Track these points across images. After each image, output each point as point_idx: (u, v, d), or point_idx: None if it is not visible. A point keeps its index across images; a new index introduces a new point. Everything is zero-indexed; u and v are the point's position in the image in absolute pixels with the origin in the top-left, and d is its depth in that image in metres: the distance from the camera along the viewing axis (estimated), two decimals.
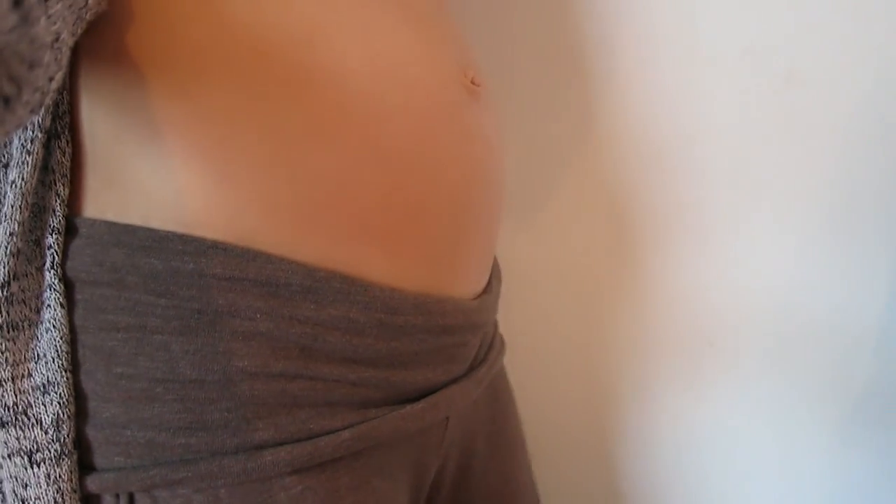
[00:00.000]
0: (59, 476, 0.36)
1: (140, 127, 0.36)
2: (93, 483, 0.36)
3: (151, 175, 0.36)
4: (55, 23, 0.25)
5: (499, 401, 0.56)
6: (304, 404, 0.38)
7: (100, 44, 0.35)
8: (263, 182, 0.36)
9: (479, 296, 0.48)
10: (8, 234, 0.35)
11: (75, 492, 0.36)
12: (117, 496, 0.37)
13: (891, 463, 0.80)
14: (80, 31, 0.29)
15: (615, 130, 0.76)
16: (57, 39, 0.25)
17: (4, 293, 0.35)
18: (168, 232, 0.36)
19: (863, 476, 0.82)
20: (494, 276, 0.53)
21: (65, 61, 0.27)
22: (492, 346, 0.53)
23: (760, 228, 0.76)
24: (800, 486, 0.82)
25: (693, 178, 0.76)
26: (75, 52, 0.35)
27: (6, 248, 0.35)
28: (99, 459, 0.37)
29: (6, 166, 0.35)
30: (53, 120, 0.36)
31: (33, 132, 0.35)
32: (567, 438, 0.84)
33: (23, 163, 0.35)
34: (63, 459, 0.36)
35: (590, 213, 0.79)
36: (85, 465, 0.37)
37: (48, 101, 0.24)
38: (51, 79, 0.25)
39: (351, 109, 0.38)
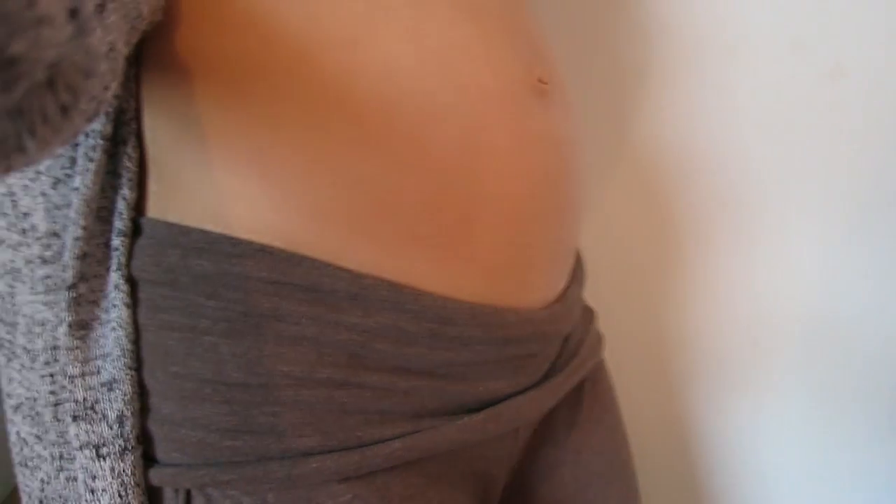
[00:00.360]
0: (123, 470, 0.37)
1: (193, 133, 0.36)
2: (154, 476, 0.37)
3: (203, 179, 0.37)
4: (110, 33, 0.25)
5: (588, 411, 0.53)
6: (352, 412, 0.38)
7: (158, 53, 0.36)
8: (308, 187, 0.36)
9: (551, 304, 0.46)
10: (74, 238, 0.36)
11: (139, 485, 0.37)
12: (176, 491, 0.37)
13: None
14: (134, 40, 0.29)
15: (658, 130, 0.76)
16: (112, 49, 0.25)
17: (73, 294, 0.36)
18: (219, 234, 0.36)
19: None
20: (575, 282, 0.50)
21: (119, 70, 0.27)
22: (576, 353, 0.50)
23: (804, 227, 0.75)
24: (835, 481, 0.82)
25: (737, 178, 0.75)
26: (137, 61, 0.36)
27: (73, 251, 0.36)
28: (160, 454, 0.37)
29: (69, 175, 0.36)
30: (119, 127, 0.36)
31: (95, 140, 0.36)
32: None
33: (86, 170, 0.36)
34: (126, 454, 0.37)
35: (634, 213, 0.79)
36: (149, 458, 0.38)
37: (103, 109, 0.25)
38: (106, 88, 0.25)
39: (396, 112, 0.36)
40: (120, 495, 0.36)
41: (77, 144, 0.36)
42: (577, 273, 0.52)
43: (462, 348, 0.40)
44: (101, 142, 0.36)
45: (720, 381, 0.82)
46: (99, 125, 0.36)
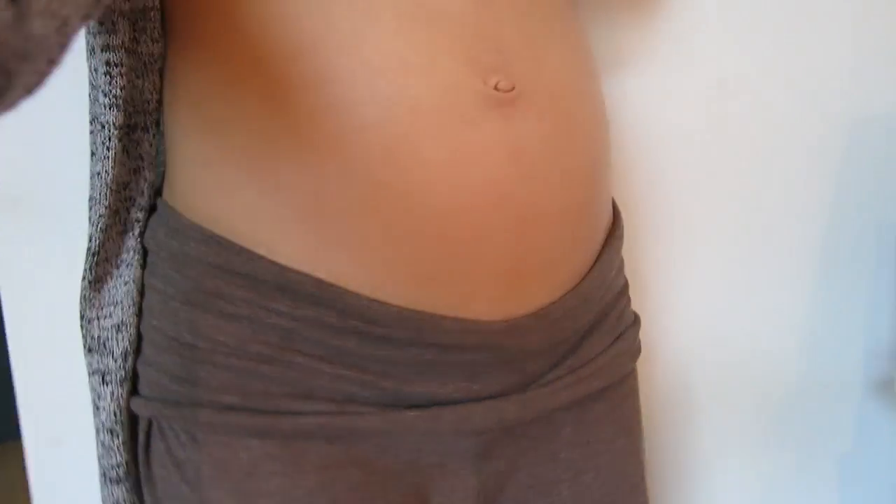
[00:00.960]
0: (120, 395, 0.46)
1: (180, 129, 0.45)
2: (133, 404, 0.46)
3: (182, 171, 0.45)
4: (60, 12, 0.25)
5: (589, 430, 0.52)
6: (276, 384, 0.43)
7: (171, 58, 0.45)
8: (247, 187, 0.42)
9: (517, 318, 0.45)
10: (98, 214, 0.45)
11: (126, 409, 0.46)
12: (147, 420, 0.46)
13: None
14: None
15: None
16: (65, 24, 0.26)
17: (95, 258, 0.46)
18: (187, 220, 0.44)
19: None
20: (573, 297, 0.48)
21: (69, 41, 0.28)
22: (575, 370, 0.49)
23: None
24: None
25: (686, 228, 0.81)
26: (163, 58, 0.44)
27: (98, 225, 0.45)
28: (141, 388, 0.47)
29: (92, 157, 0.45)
30: (142, 115, 0.44)
31: (110, 131, 0.43)
32: None
33: (105, 157, 0.44)
34: (124, 383, 0.46)
35: None
36: (135, 391, 0.47)
37: (47, 78, 0.26)
38: (51, 61, 0.26)
39: (323, 123, 0.39)
40: (114, 413, 0.46)
41: (94, 133, 0.45)
42: (586, 287, 0.49)
43: (392, 348, 0.43)
44: (115, 131, 0.43)
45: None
46: (112, 117, 0.43)
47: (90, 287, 0.47)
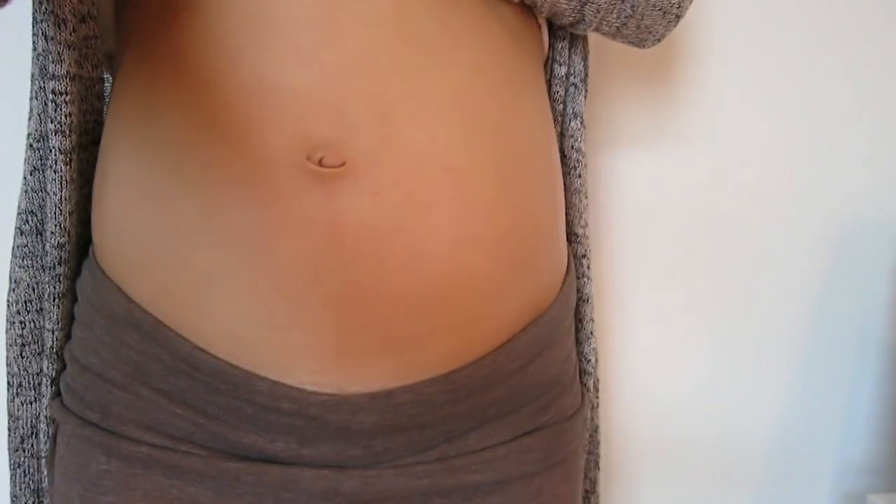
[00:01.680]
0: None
1: (103, 151, 0.49)
2: (51, 406, 0.52)
3: (94, 191, 0.49)
4: None
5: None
6: (127, 410, 0.46)
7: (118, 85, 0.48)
8: (108, 226, 0.47)
9: (345, 394, 0.45)
10: (51, 232, 0.49)
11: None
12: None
13: None
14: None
15: None
16: None
17: (53, 273, 0.49)
18: (91, 246, 0.50)
19: None
20: (432, 388, 0.47)
21: None
22: (446, 459, 0.48)
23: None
24: None
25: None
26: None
27: (52, 241, 0.49)
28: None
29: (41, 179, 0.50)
30: (86, 135, 0.49)
31: (55, 155, 0.47)
32: None
33: (53, 180, 0.48)
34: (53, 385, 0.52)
35: None
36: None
37: None
38: None
39: (161, 178, 0.44)
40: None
41: (44, 158, 0.48)
42: (459, 378, 0.47)
43: (215, 395, 0.45)
44: (61, 156, 0.47)
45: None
46: (57, 142, 0.46)
47: (54, 302, 0.50)
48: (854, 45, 0.81)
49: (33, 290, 0.51)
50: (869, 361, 0.86)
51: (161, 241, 0.44)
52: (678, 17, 0.54)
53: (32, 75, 0.48)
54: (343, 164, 0.41)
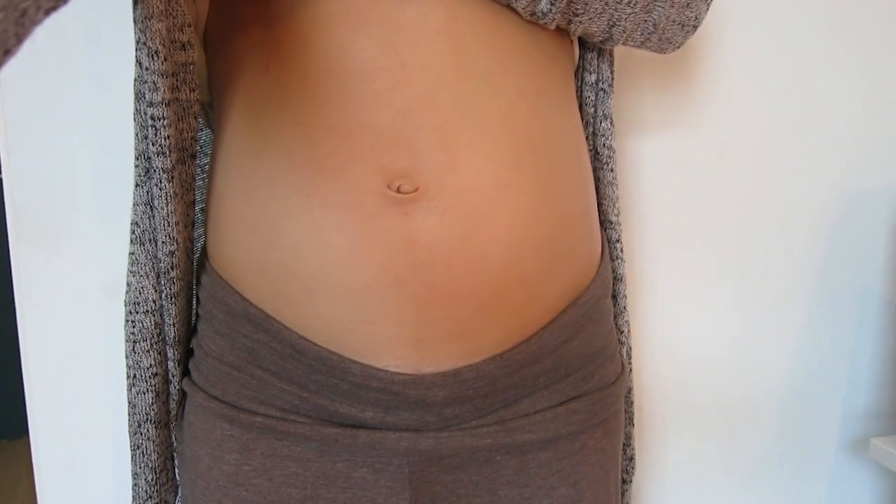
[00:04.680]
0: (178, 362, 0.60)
1: (214, 197, 0.57)
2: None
3: (207, 212, 0.58)
4: (15, 7, 0.28)
5: (531, 474, 0.57)
6: (243, 387, 0.55)
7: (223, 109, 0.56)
8: (223, 240, 0.55)
9: (423, 374, 0.52)
10: (162, 241, 0.55)
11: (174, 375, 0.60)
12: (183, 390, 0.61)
13: None
14: (59, 5, 0.33)
15: None
16: (22, 15, 0.28)
17: (168, 277, 0.56)
18: (205, 256, 0.58)
19: None
20: (491, 366, 0.53)
21: (28, 32, 0.30)
22: (504, 422, 0.55)
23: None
24: None
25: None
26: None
27: (163, 249, 0.55)
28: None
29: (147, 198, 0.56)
30: (184, 151, 0.55)
31: (159, 175, 0.53)
32: None
33: (158, 196, 0.54)
34: (180, 365, 0.60)
35: None
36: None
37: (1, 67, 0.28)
38: (6, 51, 0.28)
39: (271, 206, 0.51)
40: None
41: (149, 175, 0.54)
42: (514, 357, 0.54)
43: (318, 374, 0.53)
44: (164, 174, 0.53)
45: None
46: (160, 163, 0.52)
47: (171, 302, 0.57)
48: (847, 25, 0.86)
49: (140, 293, 0.57)
50: (871, 315, 0.91)
51: (271, 255, 0.51)
52: (695, 27, 0.59)
53: (137, 95, 0.52)
54: (416, 190, 0.48)
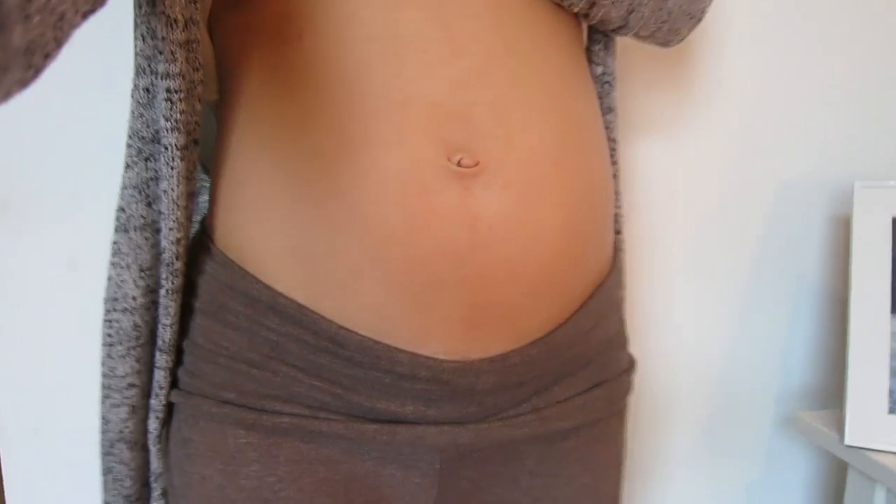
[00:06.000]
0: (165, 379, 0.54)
1: (221, 152, 0.53)
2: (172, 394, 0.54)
3: (219, 194, 0.52)
4: (52, 11, 0.27)
5: (555, 463, 0.57)
6: (263, 386, 0.50)
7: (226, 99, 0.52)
8: (250, 221, 0.50)
9: (471, 361, 0.50)
10: (168, 228, 0.50)
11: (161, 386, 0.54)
12: (169, 402, 0.54)
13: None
14: (97, 8, 0.32)
15: None
16: (61, 19, 0.28)
17: (171, 269, 0.51)
18: (214, 245, 0.52)
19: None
20: (538, 348, 0.52)
21: (67, 36, 0.29)
22: (539, 410, 0.54)
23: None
24: None
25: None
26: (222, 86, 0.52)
27: (169, 238, 0.50)
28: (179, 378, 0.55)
29: (156, 180, 0.50)
30: (192, 135, 0.49)
31: (172, 152, 0.48)
32: None
33: (170, 176, 0.49)
34: (169, 373, 0.54)
35: None
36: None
37: (41, 73, 0.27)
38: (46, 55, 0.27)
39: (315, 184, 0.47)
40: (157, 395, 0.54)
41: (158, 156, 0.49)
42: (555, 340, 0.53)
43: (357, 369, 0.49)
44: (177, 152, 0.48)
45: None
46: (174, 139, 0.47)
47: (170, 298, 0.52)
48: (792, 20, 0.91)
49: (119, 287, 0.52)
50: (806, 299, 0.97)
51: (314, 236, 0.47)
52: (700, 19, 0.60)
53: (139, 70, 0.48)
54: (477, 164, 0.46)
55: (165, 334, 0.52)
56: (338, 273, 0.47)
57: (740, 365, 0.97)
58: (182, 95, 0.47)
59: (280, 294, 0.49)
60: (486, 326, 0.50)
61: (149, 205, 0.51)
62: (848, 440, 0.79)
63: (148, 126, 0.49)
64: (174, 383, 0.54)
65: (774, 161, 0.93)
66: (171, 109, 0.47)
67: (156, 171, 0.50)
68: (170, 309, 0.51)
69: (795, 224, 0.96)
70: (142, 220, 0.51)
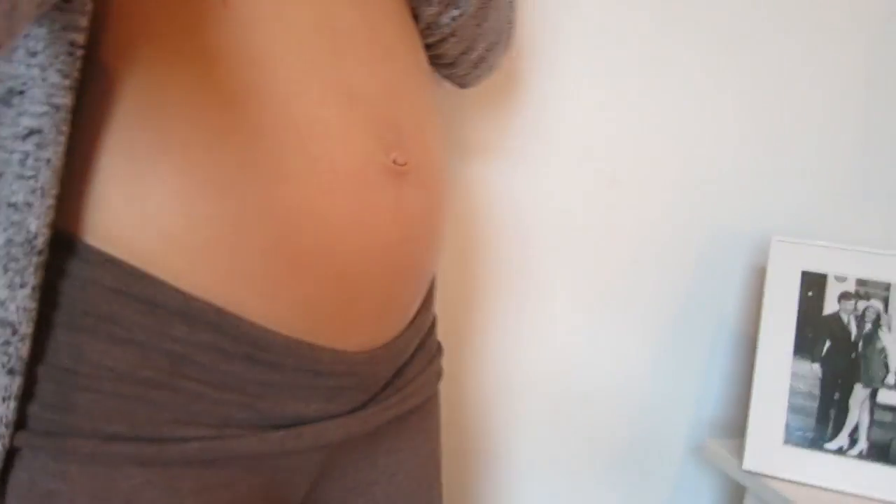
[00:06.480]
0: None
1: (87, 143, 0.41)
2: None
3: (79, 186, 0.41)
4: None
5: (407, 439, 0.60)
6: (162, 410, 0.43)
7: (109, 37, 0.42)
8: (164, 212, 0.41)
9: (373, 349, 0.51)
10: (48, 206, 0.39)
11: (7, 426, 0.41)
12: (6, 450, 0.41)
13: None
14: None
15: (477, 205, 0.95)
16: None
17: (40, 261, 0.39)
18: (83, 240, 0.41)
19: None
20: (412, 330, 0.56)
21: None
22: (400, 390, 0.56)
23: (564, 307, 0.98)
24: None
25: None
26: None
27: (46, 219, 0.39)
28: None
29: (39, 145, 0.39)
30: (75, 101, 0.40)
31: (64, 115, 0.39)
32: None
33: (57, 143, 0.39)
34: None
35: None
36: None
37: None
38: None
39: (248, 170, 0.42)
40: None
41: (42, 114, 0.38)
42: (418, 323, 0.58)
43: (274, 373, 0.45)
44: (67, 116, 0.39)
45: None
46: (69, 100, 0.39)
47: (33, 297, 0.40)
48: (728, 68, 0.99)
49: None
50: (724, 339, 1.05)
51: (251, 227, 0.42)
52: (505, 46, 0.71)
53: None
54: (406, 163, 0.49)
55: (23, 348, 0.39)
56: (272, 268, 0.43)
57: (659, 394, 1.04)
58: (82, 53, 0.39)
59: (193, 297, 0.42)
60: (389, 318, 0.53)
61: None
62: (746, 465, 0.87)
63: (1, 81, 0.39)
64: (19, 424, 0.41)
65: (708, 207, 1.01)
66: (72, 65, 0.39)
67: None
68: (32, 314, 0.39)
69: (719, 270, 1.03)
70: None
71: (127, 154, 0.41)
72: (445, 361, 0.68)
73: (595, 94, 0.95)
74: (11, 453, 0.41)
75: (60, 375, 0.41)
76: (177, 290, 0.42)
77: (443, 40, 0.63)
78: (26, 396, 0.41)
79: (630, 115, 0.97)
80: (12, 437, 0.40)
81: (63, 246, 0.41)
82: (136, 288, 0.41)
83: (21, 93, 0.38)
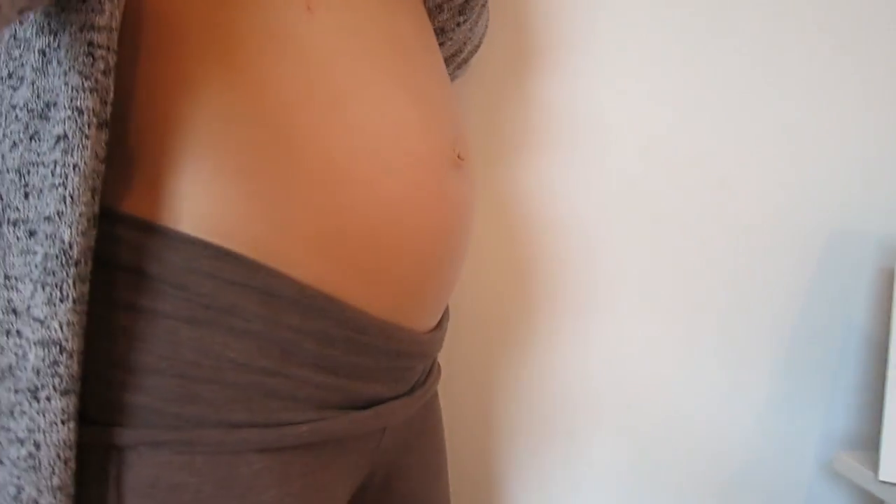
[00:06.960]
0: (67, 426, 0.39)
1: (188, 142, 0.42)
2: (87, 434, 0.40)
3: (190, 184, 0.42)
4: None
5: (429, 422, 0.64)
6: (276, 397, 0.45)
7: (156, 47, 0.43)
8: (278, 208, 0.43)
9: (432, 331, 0.57)
10: (79, 214, 0.38)
11: (72, 447, 0.39)
12: (118, 449, 0.41)
13: None
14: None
15: (543, 204, 0.95)
16: None
17: (79, 271, 0.38)
18: (193, 236, 0.42)
19: None
20: (445, 317, 0.62)
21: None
22: (430, 372, 0.62)
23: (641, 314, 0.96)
24: None
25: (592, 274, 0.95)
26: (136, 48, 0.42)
27: (77, 228, 0.38)
28: (96, 414, 0.41)
29: (65, 150, 0.38)
30: (107, 105, 0.39)
31: (89, 118, 0.38)
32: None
33: (83, 147, 0.38)
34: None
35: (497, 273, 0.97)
36: (85, 419, 0.40)
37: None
38: None
39: (356, 164, 0.46)
40: (59, 456, 0.39)
41: (67, 119, 0.38)
42: (447, 312, 0.63)
43: (366, 355, 0.49)
44: (94, 119, 0.38)
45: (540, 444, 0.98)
46: (91, 102, 0.38)
47: (76, 309, 0.39)
48: (856, 68, 0.95)
49: None
50: (853, 348, 0.99)
51: (362, 215, 0.46)
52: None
53: (40, 29, 0.40)
54: (464, 158, 0.55)
55: (73, 366, 0.38)
56: (374, 253, 0.47)
57: (780, 413, 0.99)
58: (106, 53, 0.38)
59: (306, 286, 0.45)
60: (445, 298, 0.58)
61: (26, 196, 0.39)
62: (882, 476, 0.81)
63: (39, 96, 0.39)
64: (102, 419, 0.41)
65: (830, 208, 0.97)
66: (92, 66, 0.38)
67: (38, 155, 0.39)
68: (77, 329, 0.38)
69: (844, 273, 0.98)
70: (16, 214, 0.40)
71: (234, 150, 0.43)
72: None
73: (704, 94, 0.94)
74: (122, 453, 0.41)
75: (184, 369, 0.42)
76: (292, 280, 0.44)
77: (441, 44, 0.69)
78: (146, 393, 0.41)
79: (742, 115, 0.95)
80: (77, 459, 0.39)
81: (176, 245, 0.42)
82: (255, 280, 0.43)
83: (55, 104, 0.38)
